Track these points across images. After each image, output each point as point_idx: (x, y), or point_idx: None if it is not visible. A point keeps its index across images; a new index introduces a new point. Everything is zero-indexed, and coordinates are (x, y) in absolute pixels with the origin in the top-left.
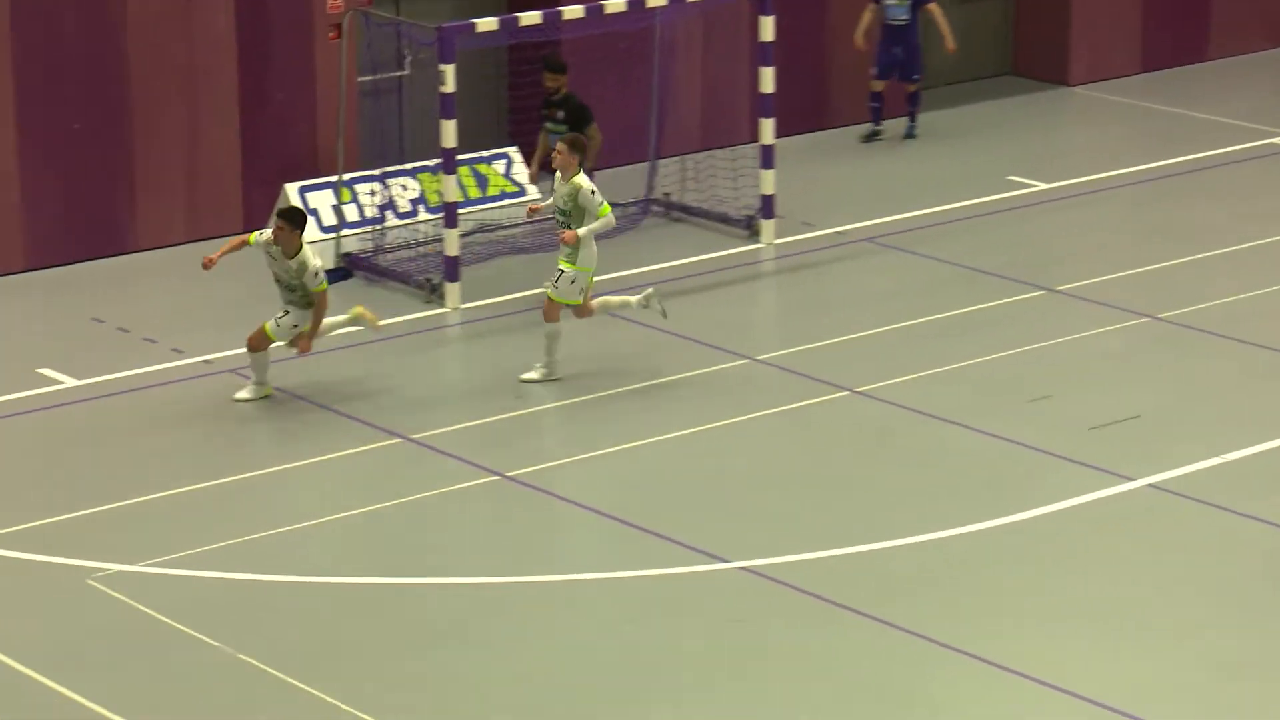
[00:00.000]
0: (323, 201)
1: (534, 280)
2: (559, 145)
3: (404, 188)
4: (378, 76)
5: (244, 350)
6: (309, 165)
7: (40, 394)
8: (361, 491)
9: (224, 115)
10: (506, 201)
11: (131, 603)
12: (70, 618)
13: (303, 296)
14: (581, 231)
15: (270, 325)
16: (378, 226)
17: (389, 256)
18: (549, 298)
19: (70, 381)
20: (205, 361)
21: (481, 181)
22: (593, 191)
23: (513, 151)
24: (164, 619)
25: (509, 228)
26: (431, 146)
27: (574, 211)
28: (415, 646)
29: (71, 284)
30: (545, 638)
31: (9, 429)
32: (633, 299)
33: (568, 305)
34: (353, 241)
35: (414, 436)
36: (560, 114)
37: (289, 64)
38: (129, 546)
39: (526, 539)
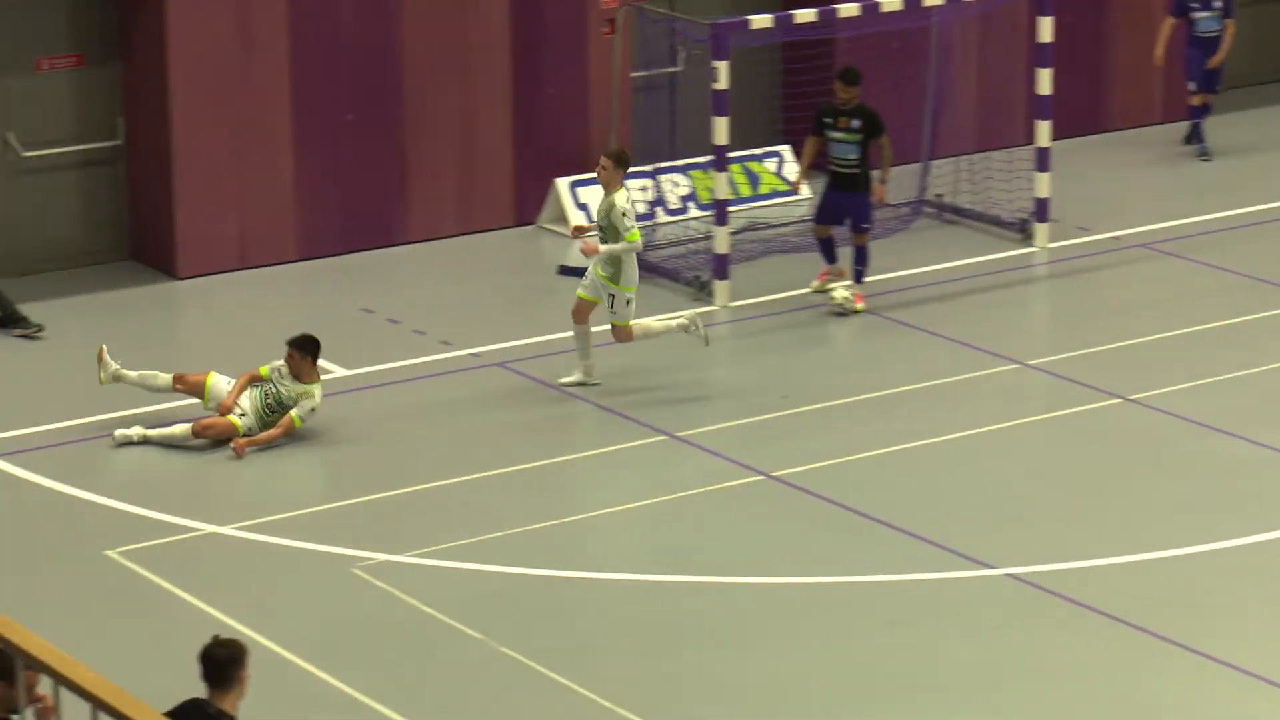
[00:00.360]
0: (593, 196)
1: (802, 279)
2: (602, 160)
3: (674, 184)
4: (651, 72)
5: (512, 344)
6: (580, 160)
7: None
8: (625, 489)
9: (497, 109)
10: (777, 200)
11: (395, 592)
12: (335, 606)
13: None
14: (603, 249)
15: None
16: (647, 223)
17: (658, 253)
18: (580, 298)
19: (340, 371)
20: (474, 354)
21: (753, 179)
22: (624, 214)
23: (784, 150)
24: (427, 609)
25: (779, 226)
26: (703, 143)
27: (609, 228)
28: (676, 645)
29: (343, 275)
30: (804, 640)
31: None
32: (673, 322)
33: (619, 325)
34: None
35: (679, 434)
36: (855, 123)
37: (562, 58)
38: (394, 537)
39: (789, 540)
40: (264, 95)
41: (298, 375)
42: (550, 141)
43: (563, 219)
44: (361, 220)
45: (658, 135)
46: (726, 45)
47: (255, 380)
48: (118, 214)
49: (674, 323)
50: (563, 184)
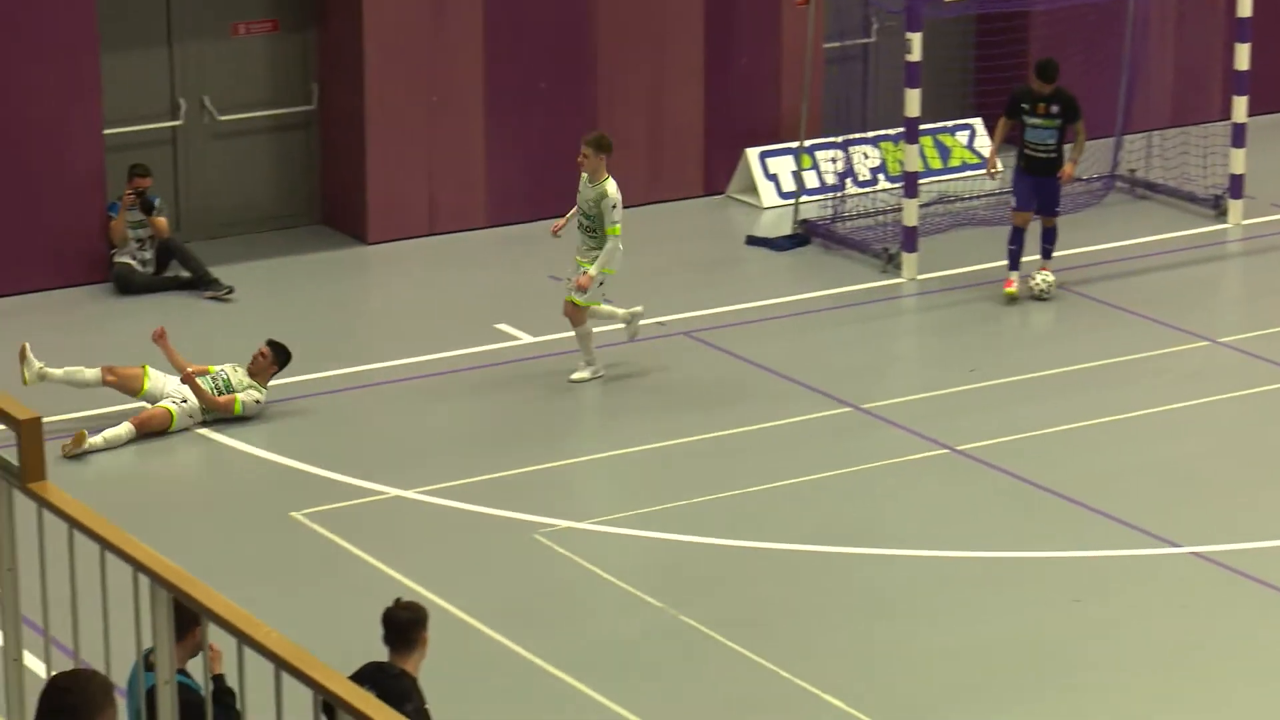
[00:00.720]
0: (783, 167)
1: (993, 253)
2: (583, 149)
3: (865, 156)
4: (844, 43)
5: (699, 313)
6: (771, 131)
7: (497, 349)
8: (810, 459)
9: (688, 79)
10: (968, 173)
11: (576, 559)
12: (516, 571)
13: None
14: (593, 270)
15: None
16: (837, 194)
17: (847, 224)
18: (572, 303)
19: (526, 338)
20: (660, 323)
21: (944, 152)
22: (615, 205)
23: (976, 123)
24: (607, 576)
25: (968, 199)
26: (895, 115)
27: (596, 216)
28: (855, 616)
29: (530, 242)
30: (987, 615)
31: (466, 382)
32: (620, 311)
33: (579, 304)
34: (811, 208)
35: (864, 406)
36: (1054, 108)
37: (755, 28)
38: (576, 503)
39: (972, 514)
40: (457, 61)
41: (256, 375)
42: (741, 112)
43: (752, 189)
44: (550, 188)
45: (849, 107)
46: (920, 17)
47: (200, 373)
48: (310, 178)
49: (620, 312)
50: (753, 154)
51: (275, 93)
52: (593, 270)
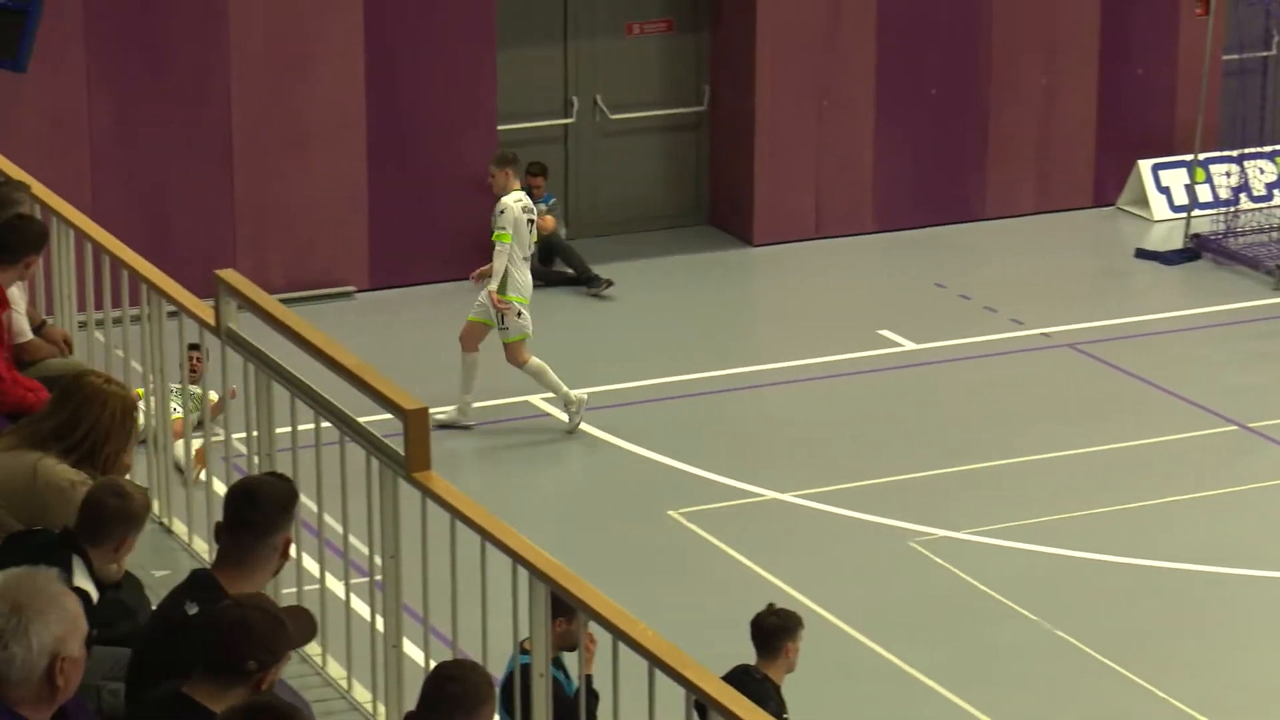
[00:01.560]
0: (1175, 180)
1: None
2: (490, 169)
3: (1260, 170)
4: (1244, 56)
5: (1085, 325)
6: (1165, 142)
7: (878, 355)
8: (1191, 477)
9: (1081, 87)
10: None
11: (951, 568)
12: (890, 579)
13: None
14: (493, 286)
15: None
16: (1231, 209)
17: (1239, 240)
18: (471, 321)
19: (908, 345)
20: (1044, 334)
21: None
22: (501, 212)
23: None
24: (982, 587)
25: None
26: None
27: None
28: (1230, 636)
29: (917, 248)
30: None
31: (846, 387)
32: (563, 388)
33: (510, 343)
34: (1203, 222)
35: (1250, 425)
36: None
37: (1152, 37)
38: (952, 513)
39: None
40: (848, 65)
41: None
42: (1135, 122)
43: (1144, 201)
44: (939, 194)
45: (1246, 120)
46: None
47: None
48: (698, 179)
49: (563, 389)
50: (1145, 166)
51: (666, 93)
52: (493, 286)
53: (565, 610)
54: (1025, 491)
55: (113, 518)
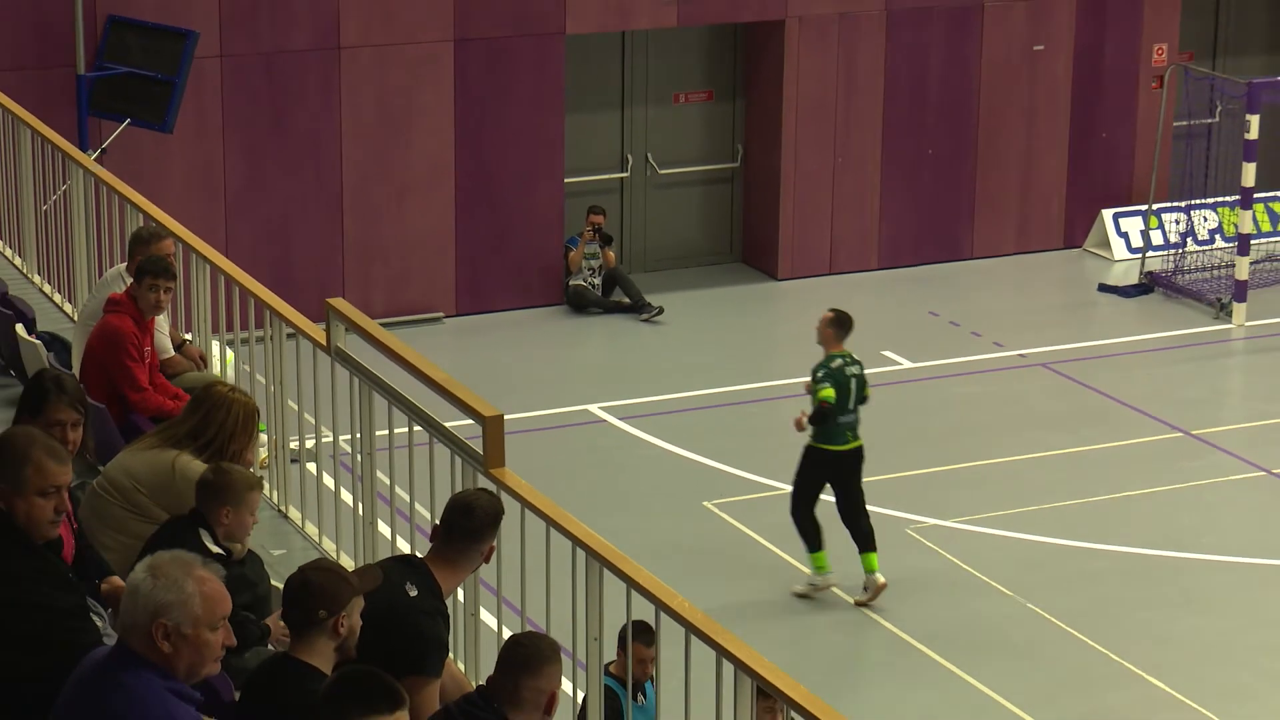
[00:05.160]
0: (1132, 226)
1: None
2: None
3: (1204, 219)
4: (1191, 122)
5: (1055, 347)
6: (1124, 195)
7: (882, 371)
8: (1147, 475)
9: (1055, 147)
10: None
11: (941, 551)
12: (890, 560)
13: None
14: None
15: None
16: (1178, 250)
17: (1186, 277)
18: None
19: (906, 363)
20: (1021, 355)
21: (1273, 217)
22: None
23: None
24: (966, 568)
25: None
26: (1232, 184)
27: None
28: (1177, 611)
29: (916, 283)
30: None
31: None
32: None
33: None
34: (1156, 262)
35: (1195, 432)
36: None
37: (1115, 106)
38: (943, 504)
39: None
40: (860, 128)
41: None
42: (1099, 178)
43: (1106, 244)
44: (934, 236)
45: (1193, 176)
46: (1259, 101)
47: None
48: (732, 223)
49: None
50: (1108, 214)
51: (707, 151)
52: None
53: (645, 636)
54: (1006, 487)
55: (208, 491)
